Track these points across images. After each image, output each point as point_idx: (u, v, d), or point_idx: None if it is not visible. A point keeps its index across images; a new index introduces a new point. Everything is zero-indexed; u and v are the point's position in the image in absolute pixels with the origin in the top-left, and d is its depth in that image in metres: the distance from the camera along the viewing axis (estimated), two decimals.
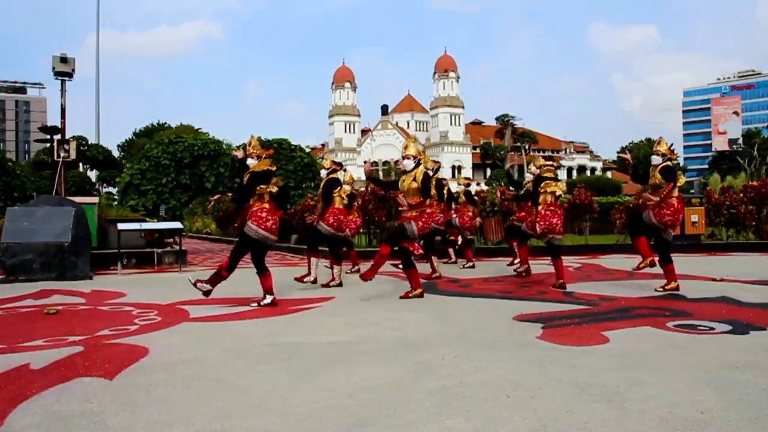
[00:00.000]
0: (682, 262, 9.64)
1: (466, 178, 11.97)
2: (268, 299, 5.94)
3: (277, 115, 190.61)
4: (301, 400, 2.90)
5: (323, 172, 8.20)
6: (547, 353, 3.75)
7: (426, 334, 4.50)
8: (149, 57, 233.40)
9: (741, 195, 14.13)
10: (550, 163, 7.74)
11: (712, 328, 4.47)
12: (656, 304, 5.75)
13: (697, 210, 13.81)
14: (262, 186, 5.88)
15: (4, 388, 3.13)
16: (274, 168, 6.01)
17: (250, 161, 5.95)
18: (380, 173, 53.63)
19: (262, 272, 5.98)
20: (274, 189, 5.94)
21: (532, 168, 7.82)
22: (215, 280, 5.89)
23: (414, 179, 6.34)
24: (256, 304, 5.90)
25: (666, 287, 6.41)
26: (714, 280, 7.47)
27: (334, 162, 8.39)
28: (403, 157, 6.52)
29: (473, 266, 10.06)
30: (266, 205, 5.88)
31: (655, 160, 6.52)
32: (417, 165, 6.44)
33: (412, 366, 3.51)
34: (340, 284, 7.72)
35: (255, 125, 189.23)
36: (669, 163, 6.53)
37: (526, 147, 66.84)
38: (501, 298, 6.40)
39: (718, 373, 3.21)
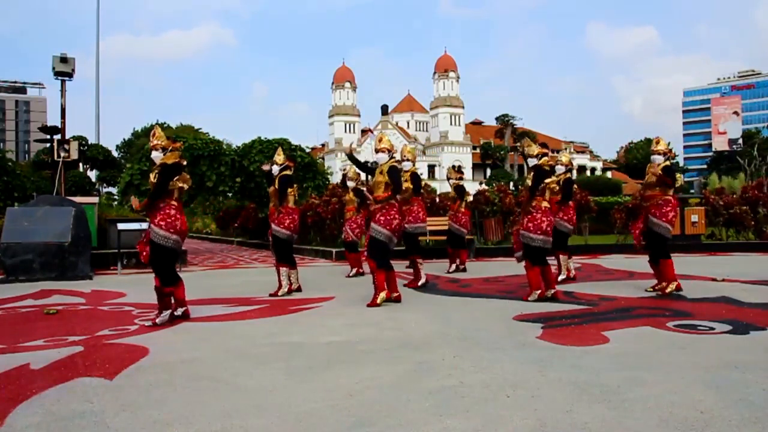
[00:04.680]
0: (682, 262, 9.64)
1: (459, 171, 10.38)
2: (178, 312, 5.25)
3: (277, 116, 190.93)
4: (301, 400, 2.90)
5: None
6: (547, 353, 3.75)
7: (426, 334, 4.50)
8: (160, 59, 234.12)
9: (741, 196, 14.21)
10: (547, 151, 6.55)
11: (712, 328, 4.47)
12: (656, 304, 5.75)
13: (697, 210, 13.81)
14: (173, 182, 5.22)
15: (4, 388, 3.13)
16: (184, 162, 5.43)
17: (155, 154, 5.32)
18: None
19: (176, 282, 5.22)
20: (185, 185, 5.31)
21: (532, 150, 6.25)
22: (164, 302, 5.20)
23: (381, 173, 6.07)
24: (150, 323, 5.09)
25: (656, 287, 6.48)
26: (714, 280, 7.47)
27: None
28: (377, 151, 6.22)
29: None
30: (174, 203, 5.22)
31: (657, 159, 6.60)
32: (390, 159, 6.18)
33: (412, 366, 3.51)
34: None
35: (257, 126, 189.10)
36: (668, 162, 6.68)
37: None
38: (501, 298, 6.40)
39: (718, 373, 3.22)
